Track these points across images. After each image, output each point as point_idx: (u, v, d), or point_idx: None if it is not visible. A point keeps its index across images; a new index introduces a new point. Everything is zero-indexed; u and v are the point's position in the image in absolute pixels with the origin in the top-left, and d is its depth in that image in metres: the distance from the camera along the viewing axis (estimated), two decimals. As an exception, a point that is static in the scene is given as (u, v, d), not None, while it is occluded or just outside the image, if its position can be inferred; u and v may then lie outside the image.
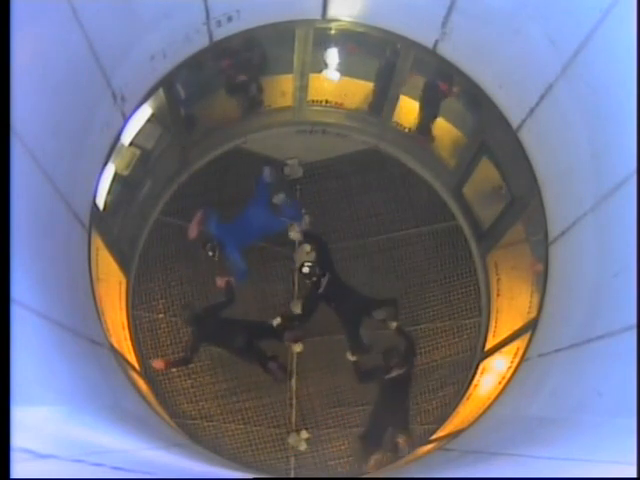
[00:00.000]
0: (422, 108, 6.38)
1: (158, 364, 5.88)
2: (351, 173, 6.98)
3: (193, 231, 6.26)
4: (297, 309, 6.49)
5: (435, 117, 6.34)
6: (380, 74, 6.25)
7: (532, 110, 4.46)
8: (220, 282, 6.05)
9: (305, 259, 6.43)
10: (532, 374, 4.63)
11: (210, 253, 6.14)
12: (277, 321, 6.14)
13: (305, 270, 5.97)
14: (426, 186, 6.85)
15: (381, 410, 5.98)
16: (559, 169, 4.44)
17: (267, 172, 6.44)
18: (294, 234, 6.64)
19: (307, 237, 6.55)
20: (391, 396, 5.91)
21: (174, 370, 6.27)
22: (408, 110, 6.50)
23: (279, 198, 6.57)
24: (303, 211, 6.69)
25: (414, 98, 6.35)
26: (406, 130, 6.64)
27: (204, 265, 6.48)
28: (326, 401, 6.48)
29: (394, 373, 5.76)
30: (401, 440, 5.86)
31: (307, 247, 6.66)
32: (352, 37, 5.57)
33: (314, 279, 5.98)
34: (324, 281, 5.98)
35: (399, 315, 6.22)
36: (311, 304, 6.24)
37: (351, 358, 6.08)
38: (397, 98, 6.31)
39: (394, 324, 6.07)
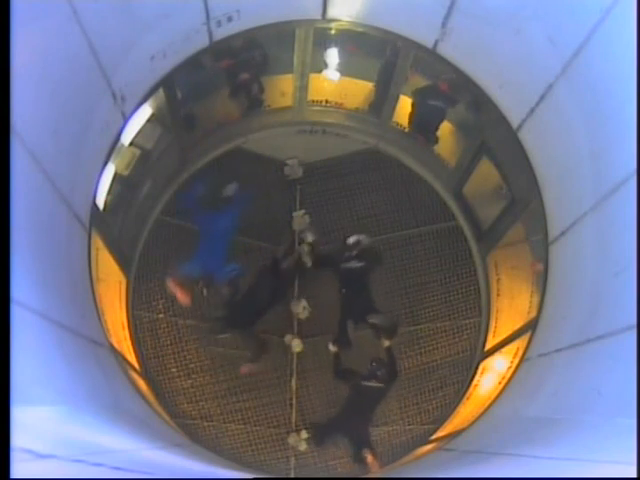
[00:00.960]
0: (423, 109, 6.38)
1: (245, 370, 6.14)
2: (351, 173, 6.98)
3: (184, 299, 6.10)
4: (297, 346, 6.51)
5: (441, 121, 6.33)
6: (380, 74, 6.25)
7: (532, 110, 4.46)
8: (181, 300, 6.10)
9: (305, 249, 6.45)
10: (532, 374, 4.64)
11: (204, 291, 6.17)
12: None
13: (351, 240, 6.06)
14: (426, 186, 6.85)
15: (344, 414, 5.98)
16: (559, 169, 4.45)
17: (232, 188, 6.28)
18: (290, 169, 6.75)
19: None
20: (359, 405, 5.93)
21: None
22: (408, 110, 6.51)
23: (231, 189, 6.27)
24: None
25: (415, 98, 6.35)
26: (406, 130, 6.65)
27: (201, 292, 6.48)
28: (326, 401, 6.48)
29: (372, 383, 5.79)
30: (368, 456, 5.83)
31: (307, 247, 6.67)
32: (352, 37, 5.57)
33: (354, 253, 6.02)
34: (355, 264, 6.02)
35: (394, 339, 6.18)
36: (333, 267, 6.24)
37: (332, 349, 6.13)
38: (397, 98, 6.31)
39: (387, 343, 6.03)
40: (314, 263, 6.26)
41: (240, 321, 6.00)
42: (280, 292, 6.17)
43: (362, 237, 6.13)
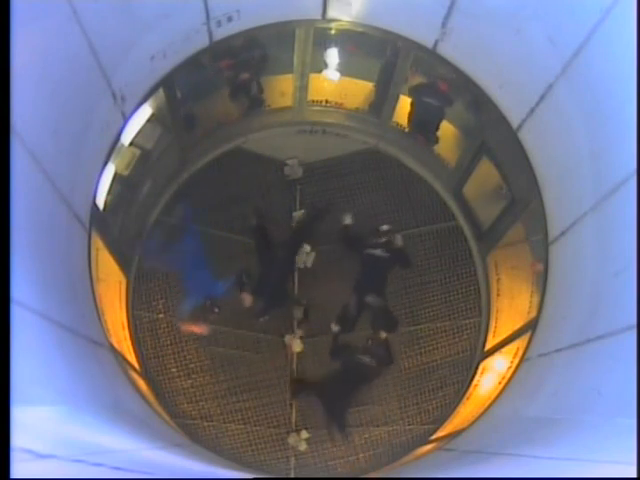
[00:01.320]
0: (423, 109, 6.38)
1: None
2: (351, 173, 6.98)
3: (202, 329, 6.34)
4: (297, 346, 6.55)
5: (440, 121, 6.33)
6: (380, 74, 6.25)
7: (532, 110, 4.46)
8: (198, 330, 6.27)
9: (305, 259, 6.48)
10: (532, 374, 4.64)
11: (216, 310, 6.28)
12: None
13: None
14: (426, 186, 6.84)
15: (330, 383, 6.17)
16: (559, 169, 4.45)
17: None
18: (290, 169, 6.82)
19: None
20: (346, 379, 6.10)
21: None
22: (408, 110, 6.51)
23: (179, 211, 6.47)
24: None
25: (415, 99, 6.35)
26: (406, 130, 6.64)
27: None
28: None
29: (366, 358, 5.94)
30: (337, 435, 6.13)
31: (307, 248, 6.69)
32: (352, 37, 5.56)
33: (383, 239, 6.24)
34: (379, 252, 6.19)
35: (394, 333, 6.36)
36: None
37: (334, 328, 6.27)
38: (397, 98, 6.31)
39: (384, 335, 6.17)
40: (342, 242, 6.38)
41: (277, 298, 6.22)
42: (290, 251, 6.34)
43: (396, 234, 6.29)
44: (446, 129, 6.38)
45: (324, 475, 6.32)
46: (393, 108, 6.43)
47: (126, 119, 4.79)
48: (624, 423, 2.64)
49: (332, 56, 6.10)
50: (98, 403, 3.68)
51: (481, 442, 4.60)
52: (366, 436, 6.37)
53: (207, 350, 6.33)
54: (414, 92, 6.23)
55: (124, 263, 5.88)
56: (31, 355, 2.82)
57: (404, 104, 6.41)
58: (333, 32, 5.55)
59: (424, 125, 6.51)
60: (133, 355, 6.01)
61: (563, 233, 4.44)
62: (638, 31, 2.96)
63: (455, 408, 6.25)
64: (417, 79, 6.05)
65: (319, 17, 5.17)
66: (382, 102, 6.42)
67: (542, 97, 4.24)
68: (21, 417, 2.18)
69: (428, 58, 5.26)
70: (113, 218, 5.45)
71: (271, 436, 6.37)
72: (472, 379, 6.27)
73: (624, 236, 3.28)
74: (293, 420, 6.41)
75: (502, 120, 4.93)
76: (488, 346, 6.20)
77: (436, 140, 6.51)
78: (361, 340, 6.22)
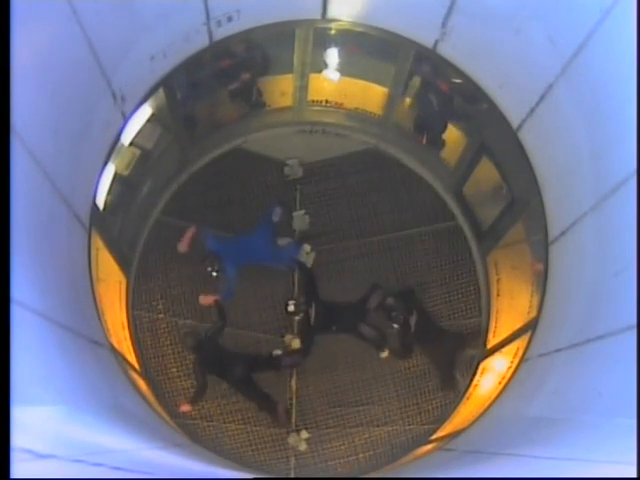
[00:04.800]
0: (423, 109, 6.38)
1: (185, 408, 5.96)
2: (351, 173, 6.97)
3: (184, 245, 6.34)
4: (296, 344, 6.48)
5: (444, 123, 6.31)
6: (380, 74, 6.24)
7: (532, 110, 4.46)
8: (204, 300, 6.17)
9: (305, 259, 6.47)
10: (532, 374, 4.63)
11: (209, 268, 6.15)
12: (277, 353, 6.21)
13: (291, 309, 6.04)
14: (426, 186, 6.84)
15: (438, 357, 6.29)
16: (559, 169, 4.44)
17: (277, 212, 6.55)
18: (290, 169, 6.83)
19: (297, 265, 6.55)
20: (431, 341, 6.21)
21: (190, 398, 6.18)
22: (408, 110, 6.51)
23: (284, 241, 6.63)
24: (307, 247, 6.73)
25: (415, 99, 6.36)
26: (406, 130, 6.64)
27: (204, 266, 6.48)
28: (326, 401, 6.47)
29: (412, 322, 6.01)
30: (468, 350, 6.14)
31: (307, 247, 6.70)
32: (352, 37, 5.56)
33: (301, 314, 6.03)
34: (312, 312, 6.01)
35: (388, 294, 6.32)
36: (308, 338, 6.30)
37: (384, 355, 6.28)
38: (397, 98, 6.31)
39: (390, 300, 6.17)
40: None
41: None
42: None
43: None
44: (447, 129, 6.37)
45: (324, 475, 6.31)
46: (393, 108, 6.43)
47: (126, 119, 4.79)
48: (624, 423, 2.64)
49: (332, 56, 6.09)
50: (98, 403, 3.68)
51: (481, 442, 4.60)
52: (366, 436, 6.37)
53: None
54: (414, 92, 6.22)
55: (124, 263, 5.88)
56: (31, 355, 2.82)
57: (404, 104, 6.42)
58: (333, 32, 5.55)
59: (426, 126, 6.50)
60: (133, 355, 6.01)
61: (563, 233, 4.44)
62: (638, 31, 2.96)
63: (455, 408, 6.25)
64: (417, 79, 6.04)
65: (319, 17, 5.17)
66: (382, 102, 6.42)
67: (542, 97, 4.24)
68: (21, 417, 2.18)
69: (428, 58, 5.25)
70: (113, 218, 5.45)
71: (271, 436, 6.36)
72: (472, 379, 6.27)
73: (624, 236, 3.28)
74: (293, 420, 6.41)
75: (502, 120, 4.93)
76: (488, 346, 6.20)
77: (442, 143, 6.48)
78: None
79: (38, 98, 3.26)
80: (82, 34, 3.53)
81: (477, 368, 6.26)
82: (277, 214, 6.54)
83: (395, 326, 6.14)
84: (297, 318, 6.12)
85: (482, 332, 6.37)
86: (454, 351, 6.24)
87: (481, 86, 4.99)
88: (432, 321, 6.33)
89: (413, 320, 6.04)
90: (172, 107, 5.64)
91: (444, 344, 6.23)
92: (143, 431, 4.22)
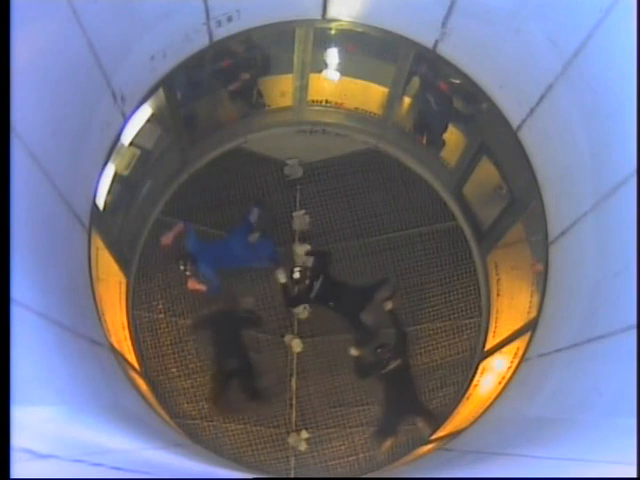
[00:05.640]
0: (423, 109, 6.38)
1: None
2: (351, 173, 6.98)
3: (168, 239, 6.37)
4: (296, 345, 6.49)
5: (444, 124, 6.31)
6: (380, 74, 6.25)
7: (532, 110, 4.46)
8: (192, 285, 6.22)
9: (305, 260, 6.45)
10: (532, 374, 4.63)
11: (182, 267, 6.17)
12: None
13: (296, 275, 5.99)
14: (426, 186, 6.85)
15: (390, 403, 6.03)
16: (559, 169, 4.44)
17: (255, 212, 6.56)
18: (290, 169, 6.82)
19: (312, 252, 6.53)
20: (394, 388, 5.96)
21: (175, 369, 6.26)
22: (408, 110, 6.51)
23: (254, 237, 6.57)
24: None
25: (415, 99, 6.36)
26: (406, 130, 6.64)
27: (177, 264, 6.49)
28: (326, 401, 6.48)
29: (391, 366, 5.84)
30: (420, 423, 6.00)
31: (307, 248, 6.69)
32: (352, 37, 5.56)
33: (307, 282, 5.98)
34: (317, 285, 5.98)
35: (395, 295, 6.28)
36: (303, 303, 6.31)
37: (354, 353, 6.13)
38: (397, 98, 6.31)
39: (389, 305, 6.10)
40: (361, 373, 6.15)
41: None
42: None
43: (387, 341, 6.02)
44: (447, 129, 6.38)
45: (324, 475, 6.31)
46: (393, 108, 6.43)
47: (126, 119, 4.79)
48: (624, 423, 2.64)
49: (332, 56, 6.10)
50: (98, 403, 3.68)
51: (481, 442, 4.60)
52: (366, 436, 6.37)
53: (207, 350, 6.33)
54: (414, 92, 6.22)
55: (124, 263, 5.88)
56: (31, 355, 2.82)
57: (404, 104, 6.42)
58: (333, 32, 5.56)
59: (426, 126, 6.51)
60: (133, 355, 6.01)
61: (563, 233, 4.44)
62: (638, 31, 2.96)
63: (455, 408, 6.25)
64: (417, 79, 6.05)
65: (319, 17, 5.17)
66: (382, 102, 6.42)
67: (542, 97, 4.24)
68: (21, 417, 2.18)
69: (428, 58, 5.26)
70: (113, 218, 5.45)
71: (271, 436, 6.37)
72: (472, 379, 6.27)
73: (624, 236, 3.28)
74: (293, 420, 6.41)
75: (502, 120, 4.93)
76: (488, 346, 6.20)
77: (442, 144, 6.49)
78: (372, 354, 6.01)
79: (38, 98, 3.26)
80: (82, 34, 3.54)
81: (477, 368, 6.26)
82: (254, 214, 6.57)
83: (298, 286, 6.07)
84: (300, 287, 6.04)
85: (482, 332, 6.37)
86: (360, 302, 6.12)
87: (481, 86, 4.99)
88: (336, 279, 6.19)
89: (317, 285, 5.97)
90: (172, 107, 5.65)
91: (349, 298, 6.11)
92: (143, 431, 4.22)
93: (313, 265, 6.14)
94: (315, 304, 6.27)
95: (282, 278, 6.06)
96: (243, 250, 6.40)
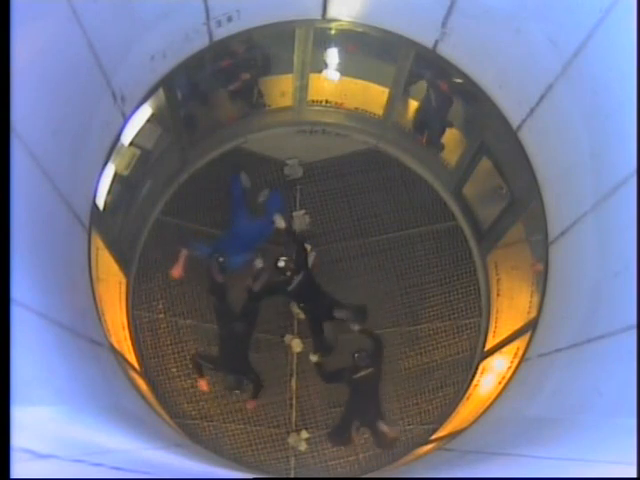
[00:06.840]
0: (423, 109, 6.38)
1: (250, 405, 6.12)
2: (351, 173, 6.98)
3: (178, 270, 6.32)
4: (296, 345, 6.49)
5: (444, 125, 6.31)
6: (380, 74, 6.25)
7: (532, 110, 4.46)
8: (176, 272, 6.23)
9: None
10: (532, 374, 4.64)
11: (221, 259, 6.03)
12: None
13: (280, 264, 5.91)
14: (426, 186, 6.85)
15: (352, 408, 6.02)
16: (559, 169, 4.45)
17: (243, 178, 6.59)
18: (290, 169, 6.84)
19: (291, 237, 6.49)
20: (360, 394, 5.96)
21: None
22: (408, 110, 6.51)
23: (264, 194, 6.64)
24: (303, 211, 6.72)
25: (415, 99, 6.36)
26: (406, 130, 6.64)
27: (203, 265, 6.47)
28: (326, 401, 6.48)
29: (362, 372, 5.82)
30: (385, 429, 5.93)
31: (307, 247, 6.69)
32: (352, 37, 5.57)
33: (288, 274, 5.94)
34: (297, 279, 5.95)
35: (367, 321, 6.21)
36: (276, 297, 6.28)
37: (313, 359, 6.18)
38: (397, 98, 6.31)
39: (356, 327, 6.06)
40: (324, 379, 6.18)
41: (234, 362, 6.02)
42: (253, 315, 6.08)
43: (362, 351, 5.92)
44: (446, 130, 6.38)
45: (324, 475, 6.32)
46: (393, 108, 6.43)
47: (126, 119, 4.79)
48: (624, 423, 2.64)
49: (332, 56, 6.11)
50: (98, 403, 3.68)
51: (481, 442, 4.60)
52: (366, 436, 6.36)
53: (207, 350, 6.33)
54: (414, 92, 6.22)
55: (124, 263, 5.88)
56: (31, 355, 2.82)
57: (404, 104, 6.42)
58: (333, 32, 5.56)
59: (426, 126, 6.50)
60: (133, 355, 6.01)
61: (563, 233, 4.44)
62: (638, 31, 2.96)
63: (455, 408, 6.25)
64: (417, 79, 6.05)
65: (319, 17, 5.17)
66: (382, 102, 6.42)
67: (542, 97, 4.24)
68: (21, 417, 2.18)
69: (428, 58, 5.26)
70: (113, 218, 5.45)
71: (271, 436, 6.37)
72: (472, 379, 6.27)
73: (624, 236, 3.28)
74: (293, 420, 6.41)
75: (502, 120, 4.93)
76: (488, 346, 6.20)
77: (442, 147, 6.49)
78: (348, 357, 5.93)
79: (38, 98, 3.26)
80: (82, 34, 3.54)
81: (477, 368, 6.26)
82: (244, 180, 6.57)
83: (279, 276, 6.00)
84: (281, 277, 5.97)
85: (482, 332, 6.37)
86: (326, 312, 6.07)
87: (481, 86, 4.99)
88: (314, 282, 6.14)
89: (297, 279, 5.95)
90: (172, 107, 5.65)
91: (319, 304, 6.08)
92: (143, 431, 4.22)
93: (296, 258, 6.08)
94: (289, 299, 6.29)
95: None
96: (250, 225, 6.42)
